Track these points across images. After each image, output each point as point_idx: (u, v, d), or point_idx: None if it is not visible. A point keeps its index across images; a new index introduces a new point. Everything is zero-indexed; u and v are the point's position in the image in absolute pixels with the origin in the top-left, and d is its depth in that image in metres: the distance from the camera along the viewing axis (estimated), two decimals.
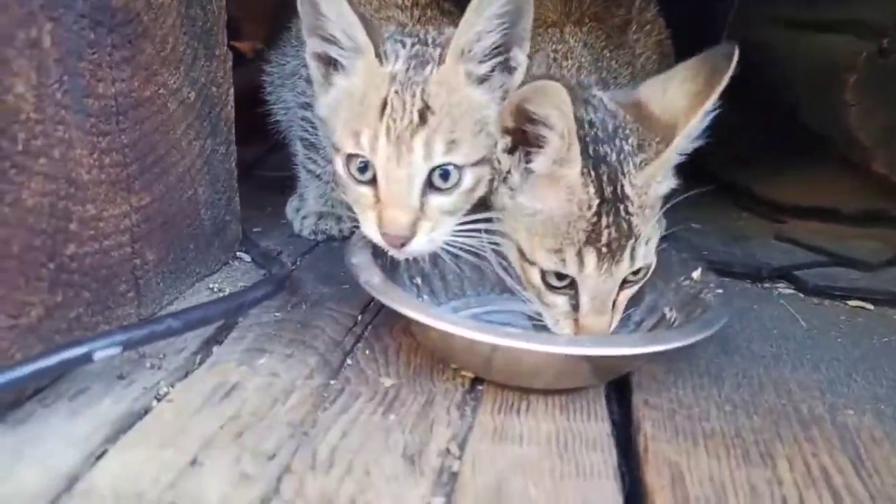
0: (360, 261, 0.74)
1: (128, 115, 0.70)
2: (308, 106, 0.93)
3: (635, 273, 0.73)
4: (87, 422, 0.59)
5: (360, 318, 0.82)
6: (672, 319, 0.75)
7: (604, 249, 0.69)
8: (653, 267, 0.75)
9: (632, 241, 0.70)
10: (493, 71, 0.74)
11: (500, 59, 0.74)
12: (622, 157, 0.70)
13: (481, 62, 0.73)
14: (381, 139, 0.70)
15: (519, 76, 0.75)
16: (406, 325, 0.76)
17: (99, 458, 0.55)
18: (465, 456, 0.59)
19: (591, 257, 0.70)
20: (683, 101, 0.70)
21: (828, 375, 0.76)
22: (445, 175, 0.72)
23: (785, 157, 1.29)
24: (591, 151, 0.69)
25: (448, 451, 0.59)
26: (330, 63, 0.76)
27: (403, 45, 0.73)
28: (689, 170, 0.76)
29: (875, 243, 1.16)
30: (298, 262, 0.98)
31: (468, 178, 0.73)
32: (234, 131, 0.91)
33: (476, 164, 0.73)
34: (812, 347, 0.83)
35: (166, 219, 0.77)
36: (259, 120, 1.10)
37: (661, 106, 0.72)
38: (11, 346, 0.57)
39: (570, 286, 0.72)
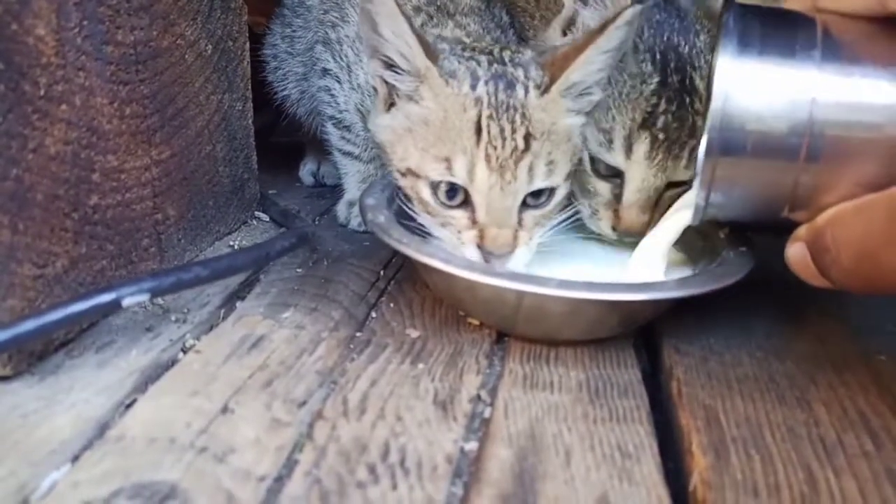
0: (373, 201, 0.72)
1: (147, 65, 0.69)
2: (327, 73, 0.89)
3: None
4: (115, 372, 0.59)
5: (382, 273, 0.81)
6: None
7: (660, 136, 0.67)
8: None
9: (693, 143, 0.68)
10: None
11: (592, 89, 0.71)
12: (694, 52, 0.68)
13: (581, 95, 0.70)
14: (480, 165, 0.66)
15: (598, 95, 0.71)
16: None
17: (129, 406, 0.55)
18: (496, 402, 0.58)
19: (642, 143, 0.67)
20: None
21: (858, 322, 0.76)
22: (539, 195, 0.69)
23: None
24: (663, 36, 0.68)
25: (479, 397, 0.59)
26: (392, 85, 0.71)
27: (479, 64, 0.68)
28: None
29: None
30: (318, 221, 0.97)
31: (561, 191, 0.71)
32: (250, 87, 0.90)
33: (567, 177, 0.71)
34: (841, 294, 0.81)
35: (186, 174, 0.77)
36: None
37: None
38: (38, 296, 0.57)
39: (618, 175, 0.71)
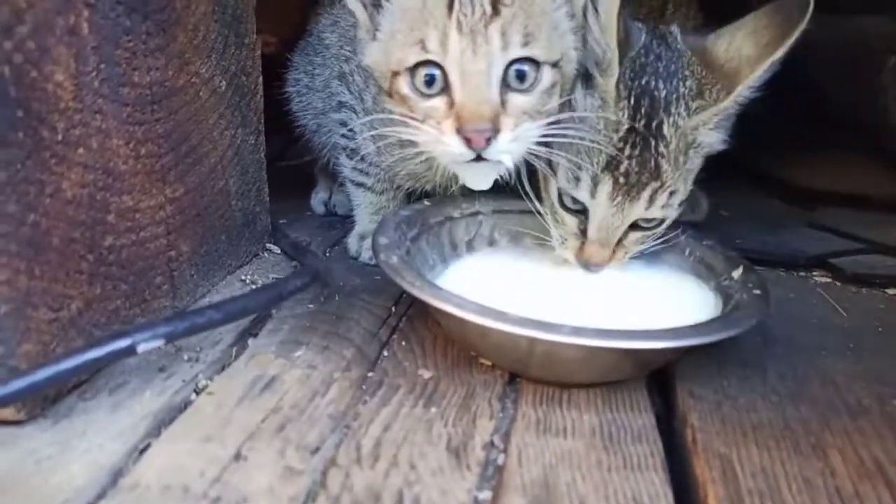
0: (385, 241, 0.73)
1: (162, 105, 0.69)
2: (343, 106, 0.90)
3: (648, 221, 0.74)
4: (129, 415, 0.59)
5: (394, 309, 0.81)
6: None
7: (621, 180, 0.69)
8: (667, 222, 0.75)
9: (655, 184, 0.70)
10: None
11: None
12: (674, 97, 0.70)
13: None
14: (452, 35, 0.66)
15: None
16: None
17: (143, 451, 0.55)
18: (509, 448, 0.58)
19: (605, 185, 0.69)
20: (751, 50, 0.70)
21: (872, 365, 0.75)
22: (522, 75, 0.67)
23: (812, 144, 1.27)
24: (642, 80, 0.70)
25: (492, 443, 0.58)
26: (374, 5, 0.73)
27: None
28: (714, 157, 0.76)
29: None
30: (328, 253, 0.97)
31: (546, 77, 0.69)
32: (263, 121, 0.91)
33: (553, 64, 0.69)
34: (853, 337, 0.81)
35: (199, 210, 0.77)
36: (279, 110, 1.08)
37: (726, 54, 0.72)
38: (53, 339, 0.57)
39: (583, 211, 0.73)
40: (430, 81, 0.68)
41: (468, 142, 0.66)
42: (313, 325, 0.76)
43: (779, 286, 0.95)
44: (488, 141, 0.65)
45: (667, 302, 0.72)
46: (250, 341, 0.72)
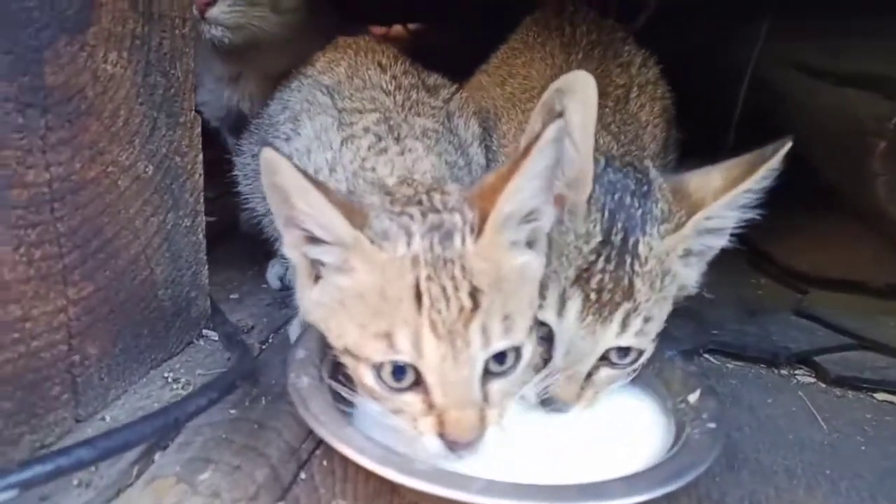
0: (302, 355, 0.67)
1: (65, 201, 0.64)
2: None
3: (622, 356, 0.66)
4: None
5: None
6: None
7: (592, 295, 0.63)
8: (644, 358, 0.68)
9: (628, 305, 0.63)
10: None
11: (535, 215, 0.63)
12: (647, 217, 0.65)
13: (521, 225, 0.62)
14: (426, 337, 0.56)
15: (548, 220, 0.64)
16: None
17: None
18: None
19: (575, 301, 0.63)
20: (719, 182, 0.66)
21: (848, 499, 0.67)
22: (501, 358, 0.60)
23: (803, 217, 1.20)
24: (615, 195, 0.65)
25: None
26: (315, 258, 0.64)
27: (412, 218, 0.61)
28: None
29: None
30: (270, 340, 0.91)
31: (528, 351, 0.61)
32: (202, 200, 0.85)
33: (530, 332, 0.62)
34: (832, 458, 0.74)
35: (113, 307, 0.71)
36: None
37: (697, 186, 0.67)
38: None
39: (547, 338, 0.65)
40: (400, 376, 0.59)
41: (452, 444, 0.57)
42: (230, 436, 0.69)
43: (755, 387, 0.88)
44: (474, 440, 0.57)
45: (614, 434, 0.65)
46: (157, 457, 0.66)
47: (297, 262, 0.64)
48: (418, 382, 0.58)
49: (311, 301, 0.64)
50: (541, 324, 0.65)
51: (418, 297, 0.57)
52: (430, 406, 0.58)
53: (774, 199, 0.68)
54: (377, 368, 0.59)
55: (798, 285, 1.15)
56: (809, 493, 0.68)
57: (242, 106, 1.17)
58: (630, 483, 0.54)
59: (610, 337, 0.64)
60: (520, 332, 0.60)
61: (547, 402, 0.66)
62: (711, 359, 0.92)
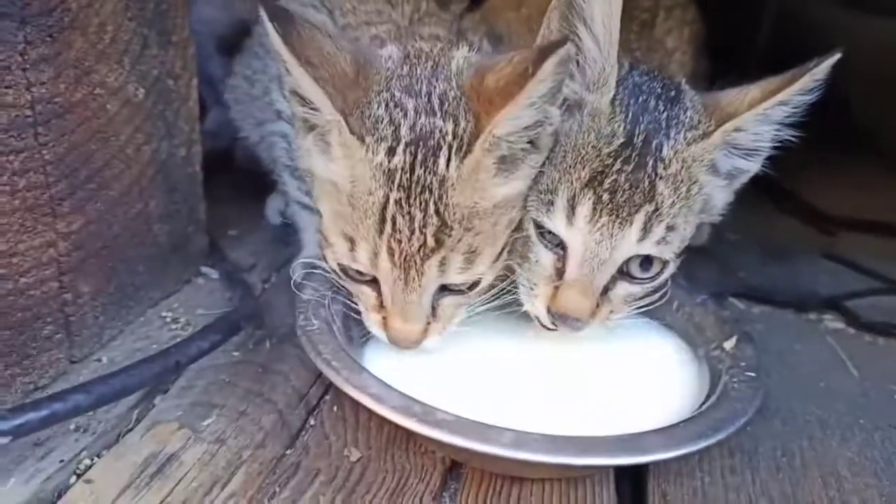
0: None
1: (50, 126, 0.58)
2: (281, 115, 0.78)
3: (645, 267, 0.61)
4: None
5: None
6: None
7: (604, 197, 0.58)
8: (664, 276, 0.63)
9: (649, 207, 0.58)
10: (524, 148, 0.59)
11: (534, 132, 0.58)
12: (673, 121, 0.60)
13: (513, 143, 0.57)
14: (383, 260, 0.56)
15: (551, 124, 0.59)
16: None
17: None
18: None
19: (585, 205, 0.58)
20: (756, 93, 0.59)
21: (883, 451, 0.64)
22: (458, 287, 0.59)
23: (834, 157, 1.14)
24: (639, 98, 0.60)
25: None
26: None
27: (405, 115, 0.56)
28: None
29: None
30: (272, 279, 0.87)
31: (487, 279, 0.60)
32: (198, 129, 0.79)
33: (497, 259, 0.60)
34: (865, 407, 0.70)
35: (106, 242, 0.66)
36: None
37: (731, 100, 0.61)
38: None
39: (560, 245, 0.61)
40: (360, 274, 0.59)
41: (394, 341, 0.60)
42: (234, 380, 0.65)
43: (784, 333, 0.84)
44: (414, 343, 0.60)
45: (645, 382, 0.61)
46: (157, 401, 0.62)
47: (296, 109, 0.60)
48: (374, 283, 0.59)
49: (305, 148, 0.61)
50: (550, 233, 0.60)
51: (382, 221, 0.55)
52: (381, 305, 0.60)
53: (804, 140, 0.62)
54: (341, 265, 0.60)
55: (824, 226, 1.10)
56: (844, 444, 0.64)
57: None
58: (668, 435, 0.50)
59: (630, 242, 0.58)
60: (482, 266, 0.58)
61: (560, 319, 0.61)
62: (737, 302, 0.88)
